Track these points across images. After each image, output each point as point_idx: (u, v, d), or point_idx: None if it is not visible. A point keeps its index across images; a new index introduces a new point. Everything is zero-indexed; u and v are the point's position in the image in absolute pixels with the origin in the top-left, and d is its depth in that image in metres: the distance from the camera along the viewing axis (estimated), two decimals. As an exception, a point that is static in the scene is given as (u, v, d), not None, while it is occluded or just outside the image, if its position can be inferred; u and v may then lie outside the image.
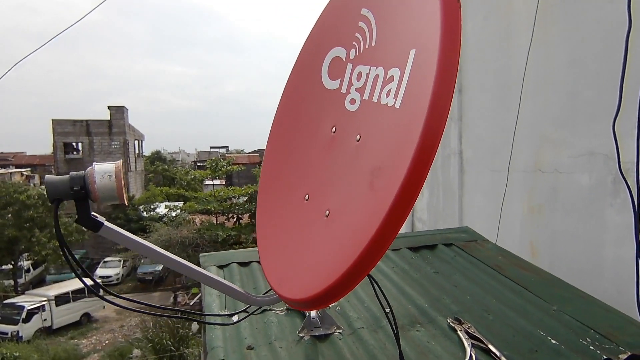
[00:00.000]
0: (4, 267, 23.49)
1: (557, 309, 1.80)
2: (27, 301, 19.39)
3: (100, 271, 24.59)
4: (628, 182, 1.91)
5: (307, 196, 1.34)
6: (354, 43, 1.35)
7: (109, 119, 33.53)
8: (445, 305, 1.85)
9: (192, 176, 31.96)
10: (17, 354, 14.81)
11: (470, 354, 1.50)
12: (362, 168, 1.14)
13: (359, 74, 1.29)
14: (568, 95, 2.67)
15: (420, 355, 1.52)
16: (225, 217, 26.24)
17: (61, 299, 19.70)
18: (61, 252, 1.15)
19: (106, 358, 16.39)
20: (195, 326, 16.70)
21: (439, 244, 2.52)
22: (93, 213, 1.17)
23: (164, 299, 22.03)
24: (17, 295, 21.00)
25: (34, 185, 32.35)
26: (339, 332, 1.66)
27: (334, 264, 1.04)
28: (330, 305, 1.83)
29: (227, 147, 70.01)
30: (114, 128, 33.48)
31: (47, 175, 1.14)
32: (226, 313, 1.73)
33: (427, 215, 4.65)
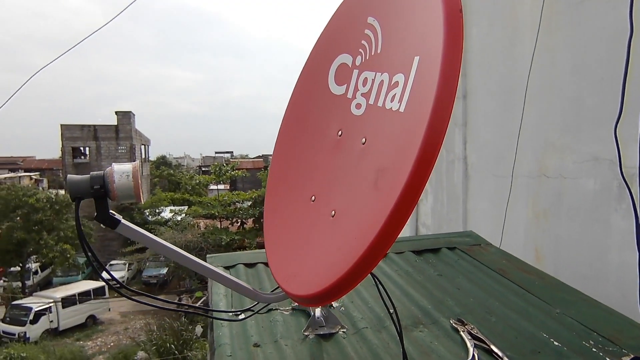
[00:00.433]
0: (12, 269, 23.79)
1: (560, 311, 1.81)
2: (34, 303, 19.59)
3: (106, 274, 24.70)
4: (630, 187, 1.93)
5: (313, 197, 1.38)
6: (360, 50, 1.39)
7: (116, 124, 33.92)
8: (448, 307, 1.87)
9: (197, 181, 32.17)
10: (25, 354, 14.94)
11: (473, 354, 1.52)
12: (367, 170, 1.18)
13: (365, 79, 1.34)
14: (572, 101, 2.68)
15: (424, 355, 1.54)
16: (229, 222, 26.35)
17: (68, 301, 19.88)
18: (82, 249, 1.21)
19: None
20: (199, 329, 16.74)
21: (443, 248, 2.54)
22: (111, 211, 1.22)
23: (168, 302, 22.11)
24: (25, 297, 21.23)
25: (43, 189, 32.72)
26: (343, 332, 1.69)
27: (340, 261, 1.08)
28: (334, 305, 1.86)
29: (232, 152, 70.43)
30: (120, 133, 33.83)
31: (68, 175, 1.20)
32: (233, 310, 1.77)
33: (431, 220, 4.66)
